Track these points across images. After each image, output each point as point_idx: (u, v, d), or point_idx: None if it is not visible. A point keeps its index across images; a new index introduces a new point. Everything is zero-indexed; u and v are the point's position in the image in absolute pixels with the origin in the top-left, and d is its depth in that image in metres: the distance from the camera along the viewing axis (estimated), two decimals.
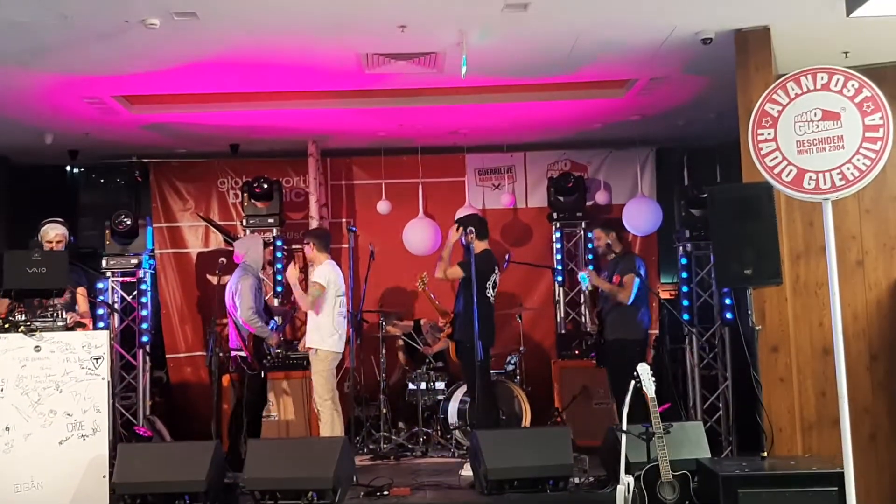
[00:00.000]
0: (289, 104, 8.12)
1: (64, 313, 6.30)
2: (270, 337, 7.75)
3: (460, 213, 9.43)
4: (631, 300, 7.55)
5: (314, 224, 9.47)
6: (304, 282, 8.57)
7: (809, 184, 4.86)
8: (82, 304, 6.93)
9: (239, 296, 7.55)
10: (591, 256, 9.69)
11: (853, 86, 4.84)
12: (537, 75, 7.49)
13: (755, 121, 5.01)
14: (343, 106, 8.22)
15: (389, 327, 8.93)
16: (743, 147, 5.81)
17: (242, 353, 7.56)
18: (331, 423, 7.38)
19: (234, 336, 7.67)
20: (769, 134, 4.98)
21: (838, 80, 4.87)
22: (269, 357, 7.89)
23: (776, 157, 4.94)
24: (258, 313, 7.57)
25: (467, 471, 6.84)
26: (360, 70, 7.06)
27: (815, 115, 4.88)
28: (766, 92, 5.03)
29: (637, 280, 7.56)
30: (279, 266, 9.54)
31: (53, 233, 7.05)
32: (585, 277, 8.00)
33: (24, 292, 6.25)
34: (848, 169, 4.79)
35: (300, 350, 7.79)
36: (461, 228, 7.47)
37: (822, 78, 4.90)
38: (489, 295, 7.44)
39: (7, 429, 6.01)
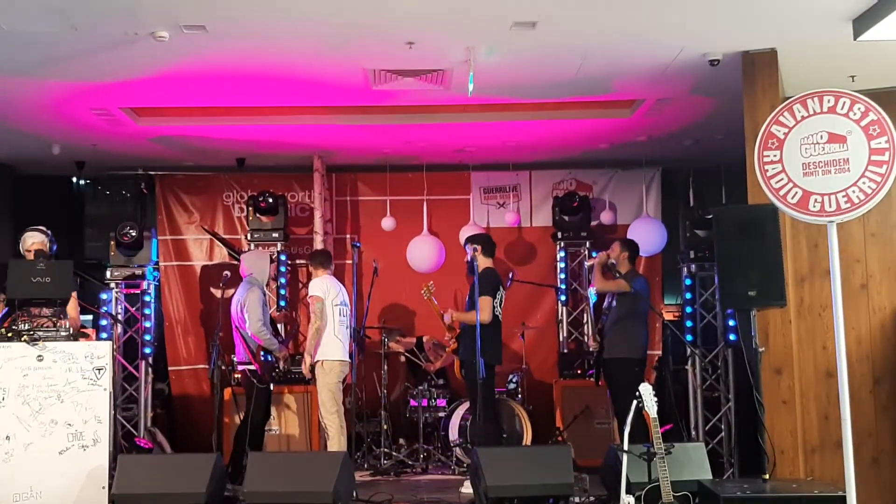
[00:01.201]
0: (295, 119, 8.15)
1: (61, 322, 6.30)
2: (278, 350, 7.73)
3: (466, 232, 9.46)
4: (619, 295, 7.56)
5: (318, 239, 9.47)
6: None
7: (815, 206, 4.87)
8: (72, 309, 6.87)
9: (247, 309, 7.53)
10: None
11: (859, 109, 4.86)
12: (544, 95, 7.51)
13: (761, 142, 5.02)
14: (349, 122, 8.25)
15: (392, 343, 8.92)
16: (749, 168, 5.82)
17: (251, 367, 7.52)
18: (338, 438, 7.36)
19: (241, 350, 7.63)
20: (775, 156, 4.99)
21: (845, 103, 4.88)
22: (277, 370, 7.91)
23: (782, 179, 4.94)
24: (266, 326, 7.58)
25: (467, 488, 6.81)
26: (367, 86, 7.09)
27: (822, 137, 4.89)
28: (773, 114, 5.04)
29: (634, 291, 7.51)
30: (283, 280, 9.54)
31: (31, 241, 6.91)
32: (595, 254, 8.01)
33: (27, 301, 6.26)
34: (853, 192, 4.80)
35: (304, 372, 7.73)
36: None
37: (828, 101, 4.92)
38: (497, 313, 7.42)
39: (7, 438, 6.00)
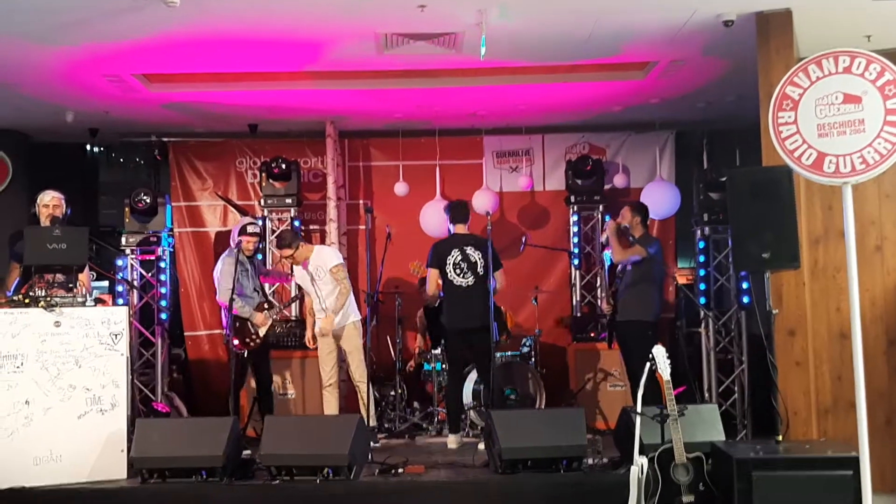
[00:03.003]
0: (307, 84, 8.13)
1: (77, 288, 6.35)
2: (254, 316, 7.76)
3: (479, 196, 9.48)
4: (635, 257, 7.61)
5: (331, 205, 9.47)
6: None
7: (829, 167, 4.84)
8: (83, 275, 6.92)
9: (217, 279, 7.76)
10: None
11: (875, 69, 4.81)
12: (556, 58, 7.46)
13: (776, 104, 4.98)
14: (361, 87, 8.22)
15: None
16: (763, 130, 5.78)
17: (224, 333, 7.67)
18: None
19: (223, 317, 7.81)
20: (790, 117, 4.95)
21: (860, 63, 4.83)
22: (253, 337, 7.83)
23: (796, 141, 4.91)
24: (242, 295, 7.66)
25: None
26: (379, 50, 7.06)
27: (837, 98, 4.84)
28: (788, 75, 5.00)
29: (649, 254, 7.54)
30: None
31: (49, 196, 7.02)
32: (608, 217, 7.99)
33: (44, 268, 6.31)
34: (869, 153, 4.76)
35: (308, 338, 7.80)
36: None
37: (843, 61, 4.86)
38: (451, 278, 7.53)
39: (27, 402, 6.09)
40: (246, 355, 7.88)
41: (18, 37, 6.56)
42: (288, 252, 7.57)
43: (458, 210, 7.85)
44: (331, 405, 7.60)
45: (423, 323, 9.08)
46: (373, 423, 7.58)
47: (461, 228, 7.76)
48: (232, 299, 7.48)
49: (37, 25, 6.33)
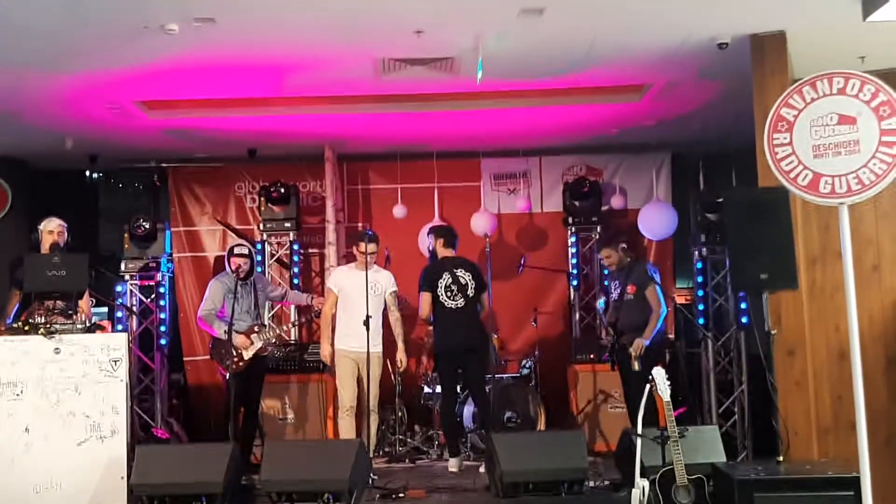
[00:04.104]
0: (305, 109, 8.17)
1: (76, 315, 6.36)
2: (236, 338, 7.49)
3: (477, 219, 9.51)
4: (664, 307, 7.51)
5: (330, 228, 9.48)
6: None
7: (825, 188, 4.86)
8: (83, 302, 6.91)
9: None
10: (605, 272, 9.66)
11: (869, 90, 4.83)
12: (553, 77, 7.51)
13: (771, 125, 5.01)
14: (359, 111, 8.26)
15: None
16: (759, 151, 5.81)
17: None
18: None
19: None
20: (785, 138, 4.97)
21: (854, 84, 4.86)
22: (235, 360, 7.50)
23: (792, 162, 4.93)
24: (222, 318, 7.58)
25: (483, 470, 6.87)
26: (377, 75, 7.10)
27: (832, 119, 4.87)
28: (782, 96, 5.02)
29: (658, 287, 7.53)
30: (296, 270, 9.59)
31: (55, 224, 7.06)
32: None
33: (43, 294, 6.32)
34: (864, 173, 4.78)
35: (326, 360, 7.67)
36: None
37: (838, 82, 4.89)
38: (443, 301, 7.56)
39: (27, 430, 6.08)
40: (231, 378, 7.52)
41: (19, 66, 6.60)
42: (374, 248, 7.52)
43: (448, 234, 7.96)
44: (349, 430, 7.30)
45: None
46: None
47: (449, 252, 7.82)
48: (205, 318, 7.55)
49: (38, 55, 6.38)
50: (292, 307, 9.41)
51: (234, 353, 7.51)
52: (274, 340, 7.98)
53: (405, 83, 7.42)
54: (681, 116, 8.58)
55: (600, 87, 7.82)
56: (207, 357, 9.59)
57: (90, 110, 7.84)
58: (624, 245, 7.85)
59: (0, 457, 6.01)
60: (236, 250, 7.83)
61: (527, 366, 8.98)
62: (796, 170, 4.92)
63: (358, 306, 7.26)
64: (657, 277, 7.65)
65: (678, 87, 7.64)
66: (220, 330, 7.54)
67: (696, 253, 8.59)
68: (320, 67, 6.96)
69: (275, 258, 9.72)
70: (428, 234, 8.21)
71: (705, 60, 6.85)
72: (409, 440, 8.53)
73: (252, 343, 7.59)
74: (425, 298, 7.60)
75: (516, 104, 8.16)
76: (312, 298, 8.28)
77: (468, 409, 8.36)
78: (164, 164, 10.00)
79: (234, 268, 7.69)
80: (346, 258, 9.79)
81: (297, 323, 8.84)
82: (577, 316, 9.85)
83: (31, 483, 6.02)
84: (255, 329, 7.68)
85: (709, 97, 7.94)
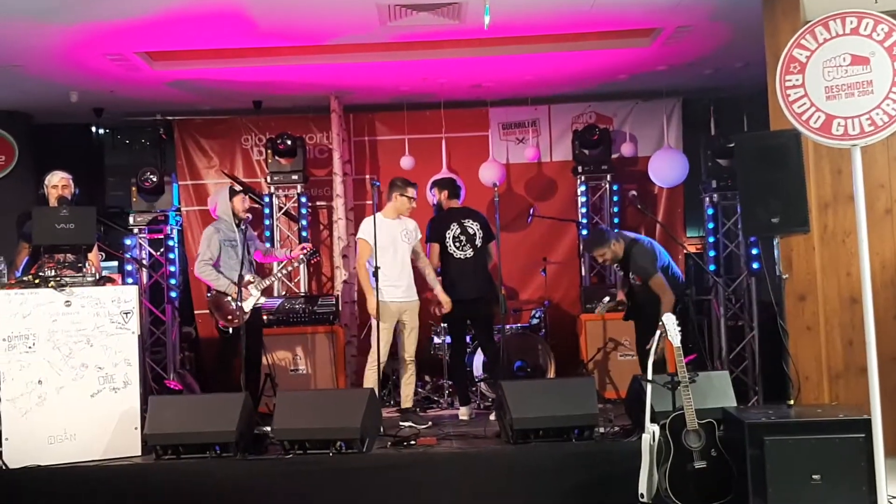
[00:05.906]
0: (310, 59, 8.08)
1: (87, 268, 6.36)
2: (229, 288, 7.25)
3: (485, 169, 9.45)
4: (671, 295, 7.22)
5: (338, 180, 9.44)
6: None
7: (838, 130, 4.81)
8: (93, 256, 6.87)
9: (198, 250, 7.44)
10: (616, 209, 9.63)
11: (883, 30, 4.77)
12: (561, 24, 7.41)
13: (783, 67, 4.94)
14: (365, 60, 8.17)
15: None
16: (770, 94, 5.74)
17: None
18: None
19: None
20: (797, 80, 4.92)
21: (868, 24, 4.79)
22: (235, 311, 7.25)
23: (804, 104, 4.88)
24: (216, 266, 7.30)
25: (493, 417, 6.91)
26: (383, 22, 7.01)
27: (844, 59, 4.81)
28: (794, 37, 4.96)
29: (661, 276, 7.27)
30: (304, 223, 9.57)
31: (58, 177, 6.99)
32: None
33: (52, 248, 6.32)
34: (877, 114, 4.73)
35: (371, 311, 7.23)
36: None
37: (851, 22, 4.82)
38: (451, 251, 7.55)
39: (39, 382, 6.12)
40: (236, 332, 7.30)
41: (18, 15, 6.53)
42: (413, 192, 7.35)
43: (451, 185, 7.97)
44: (374, 383, 7.05)
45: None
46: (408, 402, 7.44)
47: (455, 202, 7.85)
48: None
49: (37, 3, 6.30)
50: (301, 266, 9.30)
51: (234, 306, 7.26)
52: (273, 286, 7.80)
53: (411, 31, 7.33)
54: (692, 61, 8.47)
55: (610, 32, 7.71)
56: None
57: (92, 62, 7.77)
58: (612, 241, 7.47)
59: (14, 409, 6.05)
60: (236, 188, 7.51)
61: (537, 315, 8.98)
62: (808, 112, 4.87)
63: (398, 255, 7.19)
64: (658, 249, 7.35)
65: (689, 31, 7.53)
66: (217, 281, 7.28)
67: (707, 199, 8.55)
68: (325, 15, 6.87)
69: (283, 211, 9.69)
70: (431, 189, 8.22)
71: (716, 2, 6.75)
72: (419, 389, 8.56)
73: (251, 294, 7.37)
74: (433, 249, 7.60)
75: (524, 51, 8.05)
76: (291, 251, 7.92)
77: (478, 359, 8.38)
78: (169, 118, 9.96)
79: (245, 208, 7.44)
80: (354, 210, 9.79)
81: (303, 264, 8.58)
82: (587, 265, 9.82)
83: (46, 434, 6.07)
84: (251, 279, 7.43)
85: (720, 41, 7.83)
